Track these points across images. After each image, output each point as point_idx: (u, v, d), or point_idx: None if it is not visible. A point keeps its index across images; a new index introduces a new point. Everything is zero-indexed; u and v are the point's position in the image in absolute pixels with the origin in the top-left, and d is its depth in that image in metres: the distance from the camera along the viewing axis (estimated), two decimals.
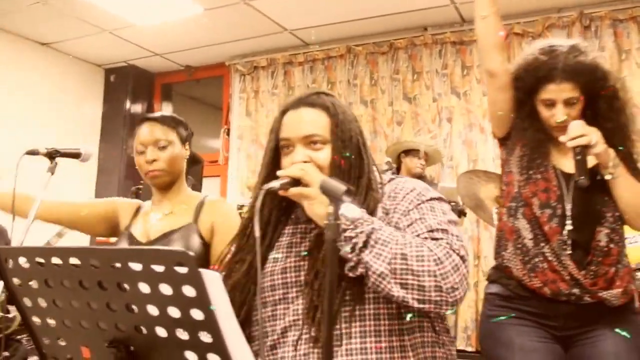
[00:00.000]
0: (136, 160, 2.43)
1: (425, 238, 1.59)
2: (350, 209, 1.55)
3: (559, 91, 2.18)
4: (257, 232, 1.43)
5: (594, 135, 2.09)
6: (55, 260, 1.27)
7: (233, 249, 1.84)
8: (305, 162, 1.68)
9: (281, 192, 1.61)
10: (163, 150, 2.40)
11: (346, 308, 1.59)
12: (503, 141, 2.40)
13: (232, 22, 6.16)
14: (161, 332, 1.19)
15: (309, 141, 1.72)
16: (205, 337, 1.12)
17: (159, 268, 1.09)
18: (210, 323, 1.09)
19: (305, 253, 1.71)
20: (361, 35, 6.46)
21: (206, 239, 2.34)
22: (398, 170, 5.51)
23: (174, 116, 2.54)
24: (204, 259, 2.27)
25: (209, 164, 7.12)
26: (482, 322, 2.35)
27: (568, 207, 2.17)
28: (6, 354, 3.33)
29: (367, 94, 6.46)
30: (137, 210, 2.54)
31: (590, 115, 2.21)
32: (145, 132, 2.43)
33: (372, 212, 1.65)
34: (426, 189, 1.75)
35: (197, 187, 3.52)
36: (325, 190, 1.42)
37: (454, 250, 1.56)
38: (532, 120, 2.27)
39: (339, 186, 1.39)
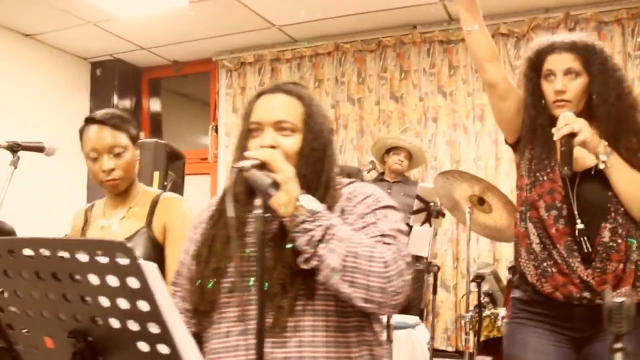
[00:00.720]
0: (89, 166, 2.40)
1: (377, 241, 1.67)
2: (311, 202, 1.61)
3: (559, 60, 2.24)
4: (231, 212, 1.48)
5: (577, 124, 2.12)
6: (10, 250, 1.30)
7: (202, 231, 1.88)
8: (272, 146, 1.72)
9: (245, 174, 1.61)
10: (119, 157, 2.35)
11: (299, 302, 1.66)
12: (514, 146, 2.45)
13: (218, 16, 6.18)
14: (114, 323, 1.25)
15: (279, 127, 1.76)
16: (154, 328, 1.19)
17: (103, 259, 1.15)
18: (156, 314, 1.16)
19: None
20: (349, 33, 6.52)
21: (159, 241, 2.34)
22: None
23: (122, 115, 2.48)
24: (158, 261, 2.19)
25: (199, 161, 7.18)
26: (507, 325, 2.47)
27: (575, 207, 2.20)
28: None
29: (355, 92, 6.54)
30: (87, 211, 2.52)
31: (596, 100, 2.23)
32: (97, 136, 2.37)
33: (329, 210, 1.70)
34: (382, 196, 1.82)
35: (179, 183, 3.55)
36: (252, 182, 1.49)
37: (401, 257, 1.64)
38: (542, 117, 2.31)
39: (265, 179, 1.45)
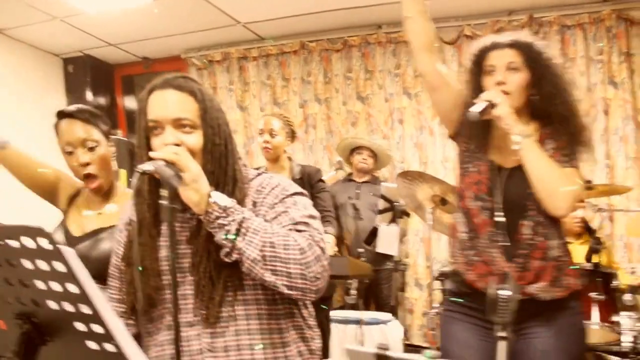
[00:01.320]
0: (67, 162, 2.46)
1: (290, 230, 1.76)
2: (220, 197, 1.69)
3: (501, 56, 2.32)
4: (134, 216, 1.55)
5: (499, 98, 2.22)
6: None
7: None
8: (176, 144, 1.75)
9: (157, 176, 1.66)
10: (92, 151, 2.42)
11: (229, 292, 1.76)
12: (454, 139, 2.52)
13: (184, 13, 6.20)
14: (53, 305, 1.32)
15: (179, 124, 1.77)
16: (86, 309, 1.26)
17: (31, 244, 1.22)
18: (85, 297, 1.23)
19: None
20: (315, 31, 6.60)
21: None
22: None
23: (91, 110, 2.54)
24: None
25: None
26: (440, 316, 2.56)
27: (498, 200, 2.29)
28: None
29: (322, 92, 6.61)
30: (74, 196, 2.59)
31: (535, 97, 2.32)
32: (69, 130, 2.43)
33: (240, 203, 1.78)
34: (290, 184, 1.91)
35: None
36: (159, 175, 1.57)
37: (315, 242, 1.74)
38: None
39: (169, 171, 1.52)
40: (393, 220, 4.31)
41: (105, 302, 1.27)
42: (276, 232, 1.71)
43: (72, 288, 1.24)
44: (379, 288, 5.15)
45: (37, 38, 6.94)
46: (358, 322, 3.31)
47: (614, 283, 3.50)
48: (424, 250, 5.88)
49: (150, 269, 1.80)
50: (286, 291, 1.69)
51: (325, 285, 1.75)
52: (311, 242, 1.73)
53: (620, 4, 5.55)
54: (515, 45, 2.32)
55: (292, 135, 4.11)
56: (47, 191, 2.60)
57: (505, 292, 1.37)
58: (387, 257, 4.89)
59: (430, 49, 2.44)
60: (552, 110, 2.30)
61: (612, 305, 3.48)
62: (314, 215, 1.84)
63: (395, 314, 4.51)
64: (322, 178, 4.12)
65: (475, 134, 2.38)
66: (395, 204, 4.37)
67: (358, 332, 3.27)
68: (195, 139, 1.79)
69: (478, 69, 2.39)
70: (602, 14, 5.57)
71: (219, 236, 1.68)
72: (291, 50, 6.74)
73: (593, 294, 3.43)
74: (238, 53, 6.98)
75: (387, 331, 4.26)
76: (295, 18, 6.29)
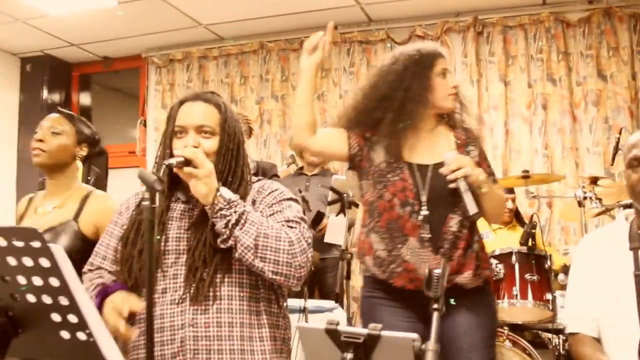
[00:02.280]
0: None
1: (283, 225, 1.99)
2: (227, 192, 1.92)
3: (449, 64, 2.59)
4: (157, 202, 1.71)
5: (469, 167, 2.36)
6: None
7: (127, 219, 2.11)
8: (195, 146, 1.98)
9: (176, 170, 1.92)
10: (54, 135, 2.65)
11: (218, 275, 1.96)
12: (356, 166, 2.62)
13: (147, 15, 6.28)
14: (31, 298, 1.45)
15: (201, 130, 2.04)
16: (64, 300, 1.40)
17: (19, 243, 1.36)
18: (65, 289, 1.37)
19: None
20: (274, 32, 6.70)
21: (86, 235, 2.53)
22: None
23: (83, 119, 2.81)
24: (83, 252, 2.35)
25: (128, 154, 7.23)
26: (361, 301, 2.64)
27: (424, 198, 2.42)
28: None
29: (278, 89, 6.71)
30: (30, 201, 2.74)
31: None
32: (46, 119, 2.71)
33: (242, 199, 2.00)
34: (287, 191, 2.16)
35: (102, 178, 3.69)
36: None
37: (304, 238, 1.98)
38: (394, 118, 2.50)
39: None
40: (341, 211, 4.43)
41: (85, 294, 1.41)
42: (271, 226, 1.93)
43: (54, 281, 1.37)
44: (324, 277, 5.20)
45: None
46: (302, 310, 3.39)
47: (547, 264, 3.68)
48: None
49: (142, 250, 1.97)
50: (271, 276, 1.90)
51: (307, 275, 1.97)
52: (300, 237, 1.96)
53: (558, 7, 5.80)
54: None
55: (249, 132, 4.21)
56: None
57: (437, 271, 1.55)
58: (334, 246, 4.87)
59: (312, 129, 2.55)
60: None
61: (546, 285, 3.64)
62: (304, 219, 2.07)
63: (339, 301, 4.58)
64: (277, 173, 4.22)
65: (394, 146, 2.50)
66: (344, 195, 4.45)
67: (302, 320, 3.35)
68: (212, 143, 2.04)
69: (424, 70, 2.52)
70: (541, 16, 5.80)
71: (220, 224, 1.89)
72: (250, 50, 6.83)
73: (527, 275, 3.59)
74: (199, 53, 7.05)
75: (332, 319, 4.26)
76: (255, 20, 6.41)
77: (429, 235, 2.40)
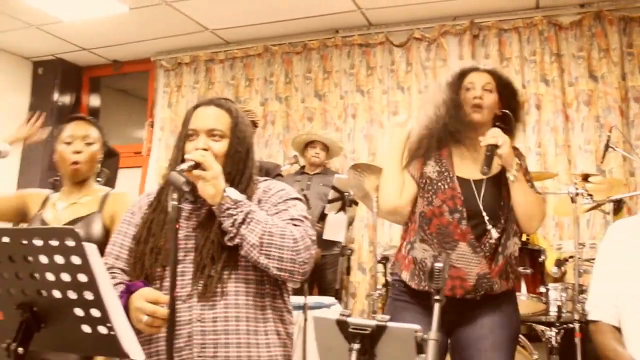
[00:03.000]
0: (60, 150, 2.69)
1: (288, 223, 2.02)
2: (234, 193, 1.96)
3: (479, 76, 2.62)
4: (173, 202, 1.76)
5: (501, 139, 2.45)
6: None
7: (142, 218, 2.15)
8: (205, 149, 2.03)
9: (186, 173, 1.92)
10: (88, 146, 2.70)
11: (225, 271, 1.99)
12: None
13: (157, 21, 6.36)
14: (57, 293, 1.49)
15: (211, 133, 2.08)
16: (89, 295, 1.45)
17: (54, 242, 1.41)
18: (92, 284, 1.42)
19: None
20: (278, 36, 6.76)
21: (108, 227, 2.61)
22: None
23: (100, 125, 2.84)
24: (104, 242, 2.42)
25: (133, 155, 7.27)
26: (388, 305, 2.69)
27: (470, 207, 2.49)
28: None
29: (282, 91, 6.76)
30: (46, 199, 2.78)
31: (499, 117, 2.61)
32: (75, 126, 2.72)
33: (248, 199, 2.05)
34: (292, 191, 2.19)
35: (112, 179, 3.73)
36: (170, 181, 1.79)
37: (308, 235, 2.01)
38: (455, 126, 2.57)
39: (180, 178, 1.76)
40: (341, 209, 4.47)
41: (112, 289, 1.46)
42: (276, 224, 1.97)
43: (82, 277, 1.42)
44: (323, 273, 5.22)
45: (10, 44, 7.06)
46: (302, 307, 3.42)
47: (541, 258, 3.73)
48: (369, 235, 6.01)
49: (162, 247, 2.03)
50: (275, 272, 1.94)
51: (309, 271, 2.02)
52: (304, 234, 1.99)
53: (551, 10, 5.85)
54: (489, 72, 2.63)
55: (254, 126, 4.23)
56: (17, 214, 2.80)
57: (439, 265, 1.60)
58: (334, 243, 4.92)
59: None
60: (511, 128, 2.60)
61: (539, 278, 3.71)
62: (308, 217, 2.11)
63: (339, 297, 4.61)
64: (281, 173, 4.26)
65: (444, 157, 2.60)
66: (345, 194, 4.51)
67: (301, 316, 3.38)
68: (221, 146, 2.08)
69: (458, 87, 2.61)
70: (534, 20, 5.84)
71: (227, 223, 1.93)
72: (255, 53, 6.88)
73: (521, 268, 3.60)
74: (206, 56, 7.10)
75: (330, 315, 4.20)
76: (260, 25, 6.48)
77: (476, 242, 2.47)
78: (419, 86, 6.17)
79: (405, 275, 2.54)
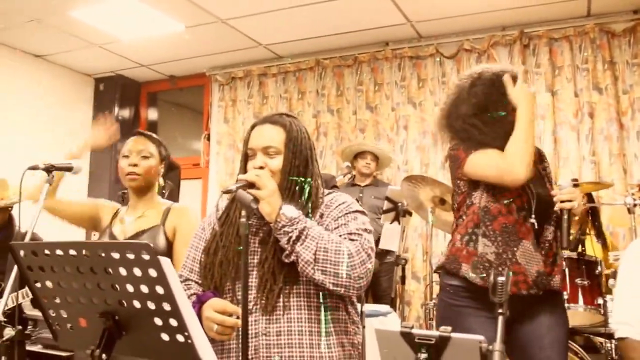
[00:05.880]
0: (120, 164, 2.84)
1: (345, 238, 2.03)
2: (289, 210, 1.98)
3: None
4: (217, 226, 1.83)
5: (576, 202, 2.40)
6: (59, 251, 1.62)
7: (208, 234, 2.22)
8: (261, 167, 2.07)
9: (234, 194, 1.98)
10: (144, 159, 2.81)
11: (286, 286, 2.02)
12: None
13: (211, 38, 6.51)
14: (137, 304, 1.56)
15: (267, 151, 2.11)
16: (167, 306, 1.51)
17: (131, 256, 1.48)
18: (169, 296, 1.49)
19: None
20: (329, 50, 6.83)
21: (170, 239, 2.73)
22: None
23: (160, 139, 2.94)
24: (168, 255, 2.62)
25: (192, 167, 7.43)
26: (444, 309, 2.60)
27: (533, 206, 2.48)
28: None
29: (334, 103, 6.83)
30: (116, 212, 2.93)
31: None
32: (134, 142, 2.84)
33: (309, 214, 2.09)
34: (353, 203, 2.19)
35: (175, 191, 3.85)
36: (238, 199, 1.86)
37: (364, 249, 2.01)
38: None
39: (248, 197, 1.82)
40: (395, 219, 4.48)
41: (187, 301, 1.53)
42: (331, 240, 1.98)
43: (159, 289, 1.49)
44: (378, 280, 5.25)
45: (74, 62, 7.31)
46: (360, 314, 3.45)
47: (598, 270, 3.68)
48: (423, 245, 6.03)
49: (231, 260, 2.08)
50: (332, 287, 1.95)
51: (367, 285, 2.02)
52: (359, 248, 1.99)
53: (602, 18, 5.76)
54: None
55: None
56: (91, 221, 2.95)
57: (502, 279, 1.62)
58: (388, 252, 5.00)
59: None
60: None
61: (597, 289, 3.65)
62: (369, 230, 2.11)
63: (394, 305, 4.63)
64: (336, 184, 4.30)
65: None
66: (399, 204, 4.54)
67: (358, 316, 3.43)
68: (277, 162, 2.11)
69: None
70: (586, 28, 5.77)
71: (283, 241, 1.97)
72: (307, 67, 6.97)
73: (578, 280, 3.60)
74: (259, 70, 7.22)
75: (387, 322, 4.25)
76: (311, 39, 6.56)
77: (537, 240, 2.47)
78: None
79: (465, 268, 2.48)
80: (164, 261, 1.47)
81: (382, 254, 4.98)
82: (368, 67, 6.72)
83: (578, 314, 3.63)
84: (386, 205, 4.50)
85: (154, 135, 2.96)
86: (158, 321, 1.56)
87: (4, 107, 6.67)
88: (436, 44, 6.38)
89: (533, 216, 2.46)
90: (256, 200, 1.86)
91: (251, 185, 1.97)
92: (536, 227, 2.46)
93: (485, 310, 2.36)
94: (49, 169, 2.66)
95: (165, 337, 1.57)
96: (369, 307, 4.28)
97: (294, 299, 2.02)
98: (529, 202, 2.48)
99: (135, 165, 2.78)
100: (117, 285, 1.57)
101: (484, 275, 2.43)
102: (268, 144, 2.11)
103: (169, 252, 2.69)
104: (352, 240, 2.02)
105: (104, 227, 2.88)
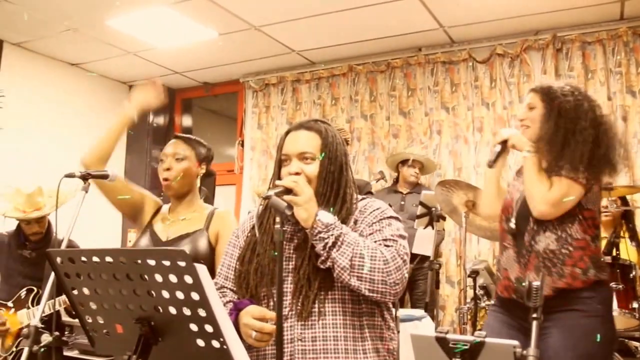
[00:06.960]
0: (158, 168, 2.86)
1: (380, 244, 2.02)
2: (325, 216, 1.98)
3: (527, 99, 2.74)
4: (257, 233, 1.84)
5: (506, 133, 2.77)
6: (95, 258, 1.64)
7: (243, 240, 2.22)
8: (297, 173, 2.06)
9: (268, 201, 1.97)
10: (178, 162, 2.81)
11: (321, 292, 2.02)
12: None
13: (245, 45, 6.55)
14: (172, 310, 1.58)
15: (302, 157, 2.10)
16: (202, 312, 1.52)
17: (167, 262, 1.50)
18: (204, 302, 1.50)
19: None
20: (362, 55, 6.83)
21: (213, 244, 2.72)
22: (398, 179, 5.88)
23: (198, 139, 2.95)
24: (210, 259, 2.64)
25: (226, 172, 7.47)
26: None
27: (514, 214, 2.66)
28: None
29: (367, 109, 6.82)
30: (158, 209, 2.92)
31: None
32: (169, 146, 2.86)
33: (344, 220, 2.08)
34: (387, 209, 2.18)
35: (209, 198, 3.86)
36: (272, 206, 1.86)
37: (399, 255, 1.99)
38: None
39: (282, 203, 1.82)
40: (429, 224, 4.46)
41: (222, 307, 1.54)
42: (367, 246, 1.96)
43: (195, 295, 1.50)
44: (416, 284, 5.28)
45: (109, 69, 7.40)
46: (395, 319, 3.46)
47: (632, 274, 3.62)
48: (456, 250, 6.00)
49: (266, 267, 2.08)
50: (368, 294, 1.94)
51: (403, 291, 2.02)
52: (395, 254, 1.97)
53: (636, 21, 5.66)
54: (536, 90, 2.70)
55: (346, 143, 4.29)
56: (134, 210, 2.92)
57: (536, 283, 1.62)
58: (422, 257, 5.02)
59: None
60: (555, 139, 2.59)
61: (631, 294, 3.60)
62: (403, 236, 2.09)
63: (429, 310, 4.64)
64: (371, 190, 4.29)
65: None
66: (432, 209, 4.52)
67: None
68: (313, 168, 2.10)
69: None
70: (619, 31, 5.67)
71: (319, 247, 1.96)
72: (340, 73, 6.98)
73: (612, 284, 3.49)
74: (292, 77, 7.25)
75: (421, 327, 4.29)
76: (344, 45, 6.57)
77: (516, 247, 2.60)
78: (503, 102, 6.10)
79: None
80: (200, 268, 1.48)
81: (421, 259, 4.98)
82: (401, 72, 6.70)
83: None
84: (420, 210, 4.48)
85: (191, 136, 2.96)
86: (194, 327, 1.57)
87: (39, 114, 6.77)
88: (469, 48, 6.34)
89: (513, 220, 2.62)
90: (290, 206, 1.87)
91: (288, 191, 1.97)
92: (514, 230, 2.61)
93: (509, 315, 2.60)
94: (85, 177, 2.67)
95: (200, 342, 1.58)
96: (403, 312, 4.29)
97: (329, 305, 2.01)
98: (511, 213, 2.67)
99: (169, 169, 2.79)
100: (152, 292, 1.58)
101: (500, 285, 2.66)
102: (304, 150, 2.11)
103: (211, 256, 2.68)
104: (388, 246, 2.01)
105: (144, 221, 2.88)
